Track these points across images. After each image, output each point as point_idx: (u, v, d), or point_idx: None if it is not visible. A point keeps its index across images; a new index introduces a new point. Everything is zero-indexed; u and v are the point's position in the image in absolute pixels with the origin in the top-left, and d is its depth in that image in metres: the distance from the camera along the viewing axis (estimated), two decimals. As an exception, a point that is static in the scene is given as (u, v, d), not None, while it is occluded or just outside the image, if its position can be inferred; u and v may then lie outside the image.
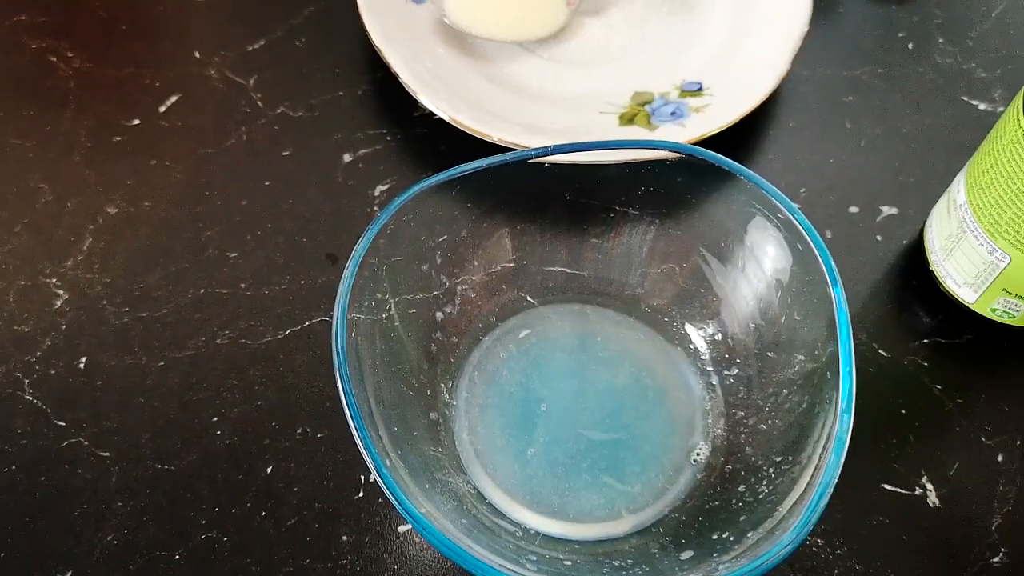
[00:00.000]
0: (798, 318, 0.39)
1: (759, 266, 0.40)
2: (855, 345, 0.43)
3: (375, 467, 0.32)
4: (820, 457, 0.33)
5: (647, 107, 0.52)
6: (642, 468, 0.40)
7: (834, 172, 0.52)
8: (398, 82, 0.51)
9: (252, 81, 0.55)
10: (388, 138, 0.53)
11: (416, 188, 0.38)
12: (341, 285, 0.36)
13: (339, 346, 0.35)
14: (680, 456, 0.41)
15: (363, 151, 0.52)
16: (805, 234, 0.37)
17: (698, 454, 0.40)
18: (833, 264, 0.36)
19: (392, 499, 0.32)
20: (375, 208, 0.50)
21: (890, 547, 0.41)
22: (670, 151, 0.39)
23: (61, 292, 0.47)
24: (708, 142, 0.48)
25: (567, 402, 0.42)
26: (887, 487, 0.42)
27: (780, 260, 0.39)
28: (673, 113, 0.51)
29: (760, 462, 0.38)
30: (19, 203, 0.50)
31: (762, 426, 0.39)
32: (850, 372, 0.34)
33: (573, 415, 0.41)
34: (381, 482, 0.32)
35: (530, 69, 0.55)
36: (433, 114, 0.51)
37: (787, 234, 0.38)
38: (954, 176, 0.46)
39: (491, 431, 0.41)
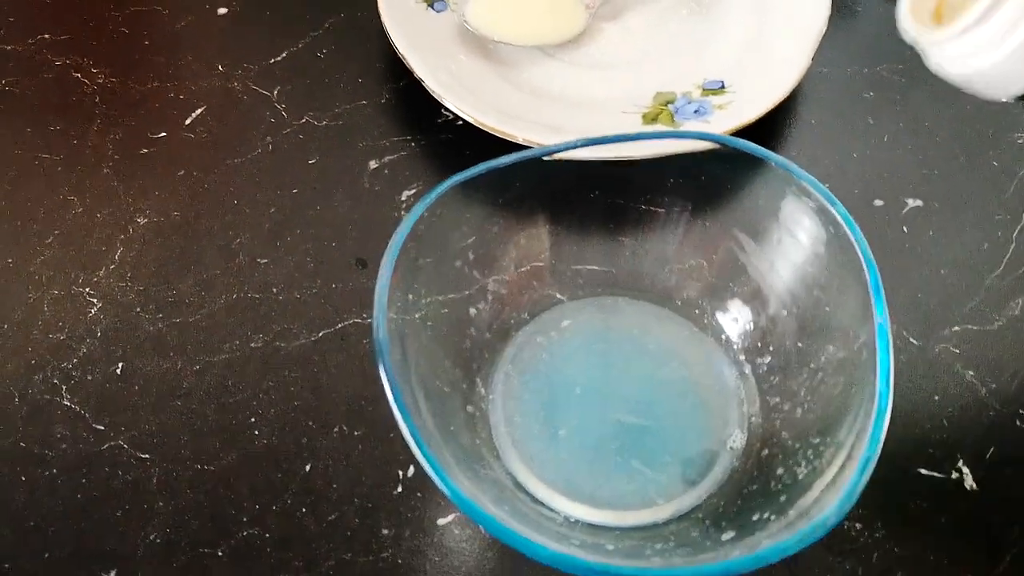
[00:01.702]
0: (832, 303, 0.39)
1: (792, 252, 0.41)
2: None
3: (419, 451, 0.32)
4: (859, 434, 0.34)
5: (670, 106, 0.52)
6: (679, 456, 0.40)
7: (857, 167, 0.53)
8: (421, 89, 0.52)
9: (276, 92, 0.56)
10: (413, 144, 0.53)
11: (447, 184, 0.39)
12: (380, 274, 0.36)
13: (380, 333, 0.35)
14: (716, 444, 0.41)
15: (388, 157, 0.53)
16: (838, 217, 0.37)
17: (734, 441, 0.41)
18: (867, 244, 0.36)
19: (437, 481, 0.32)
20: (402, 212, 0.50)
21: (928, 530, 0.41)
22: (702, 140, 0.40)
23: (95, 300, 0.47)
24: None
25: (603, 392, 0.42)
26: (923, 472, 0.42)
27: (813, 245, 0.39)
28: (696, 111, 0.51)
29: (797, 445, 0.38)
30: (50, 216, 0.51)
31: (798, 411, 0.39)
32: (888, 346, 0.34)
33: (609, 405, 0.42)
34: (426, 465, 0.32)
35: (551, 73, 0.56)
36: (457, 119, 0.52)
37: (820, 219, 0.39)
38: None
39: (528, 422, 0.41)
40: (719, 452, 0.40)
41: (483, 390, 0.42)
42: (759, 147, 0.39)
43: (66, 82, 0.57)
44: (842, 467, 0.33)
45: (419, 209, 0.38)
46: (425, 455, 0.32)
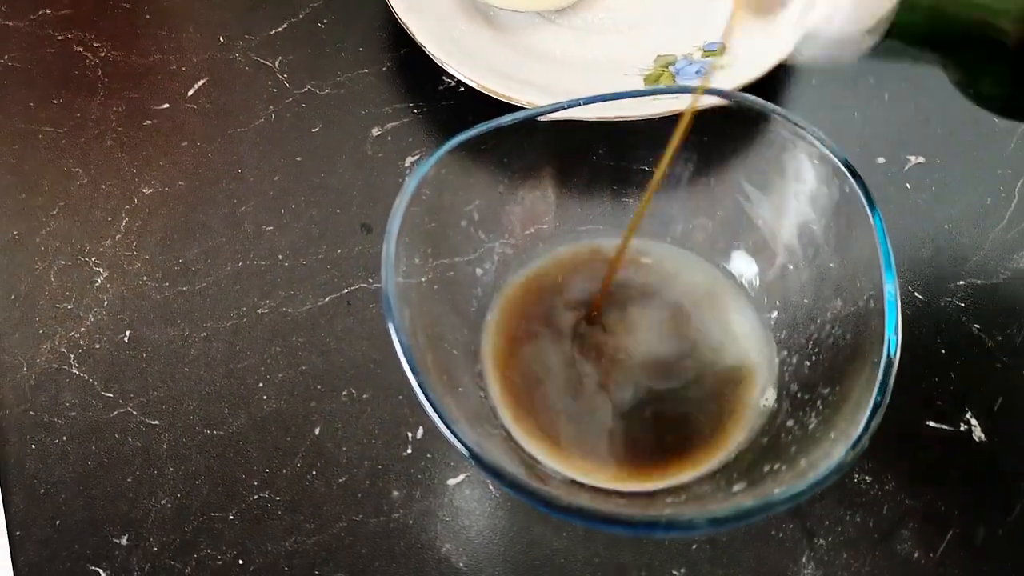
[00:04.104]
0: (839, 257, 0.39)
1: (798, 207, 0.41)
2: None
3: (428, 402, 0.32)
4: (867, 382, 0.34)
5: (671, 68, 0.52)
6: (699, 417, 0.40)
7: (859, 126, 0.53)
8: (422, 57, 0.52)
9: (277, 62, 0.56)
10: (415, 111, 0.53)
11: (449, 144, 0.38)
12: (387, 234, 0.36)
13: (389, 292, 0.35)
14: (742, 404, 0.40)
15: (391, 124, 0.53)
16: (844, 170, 0.37)
17: (767, 400, 0.40)
18: (871, 193, 0.36)
19: (446, 432, 0.32)
20: (406, 179, 0.50)
21: (938, 483, 0.41)
22: (714, 96, 0.40)
23: (101, 270, 0.47)
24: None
25: (618, 348, 0.42)
26: (932, 424, 0.42)
27: (819, 199, 0.39)
28: (698, 72, 0.51)
29: (807, 396, 0.38)
30: (55, 188, 0.51)
31: (805, 364, 0.39)
32: (895, 296, 0.34)
33: (623, 361, 0.41)
34: (436, 418, 0.32)
35: (552, 38, 0.56)
36: (459, 86, 0.51)
37: (826, 172, 0.39)
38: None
39: (540, 384, 0.41)
40: (745, 414, 0.40)
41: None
42: (763, 101, 0.39)
43: (68, 56, 0.57)
44: (852, 416, 0.33)
45: (423, 168, 0.38)
46: (435, 409, 0.32)
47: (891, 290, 0.34)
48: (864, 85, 0.55)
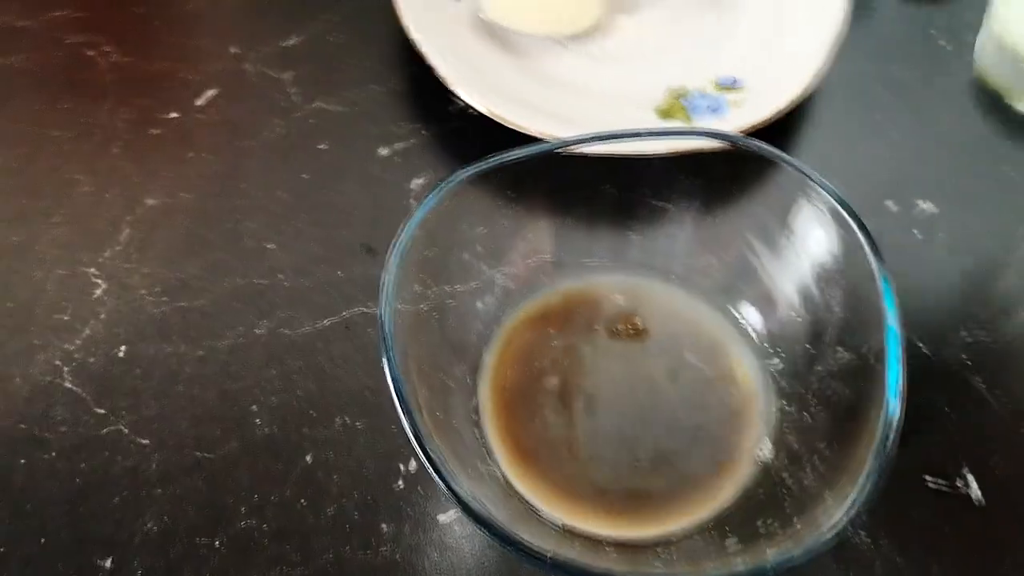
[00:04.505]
0: (843, 307, 0.39)
1: (803, 255, 0.40)
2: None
3: (419, 447, 0.32)
4: (867, 446, 0.33)
5: (684, 101, 0.52)
6: (695, 465, 0.39)
7: (870, 168, 0.52)
8: (433, 77, 0.51)
9: (288, 76, 0.56)
10: (424, 132, 0.53)
11: (458, 177, 0.38)
12: (386, 273, 0.36)
13: (386, 328, 0.34)
14: (740, 454, 0.40)
15: (399, 145, 0.52)
16: (850, 221, 0.37)
17: (761, 451, 0.40)
18: (879, 250, 0.36)
19: (436, 479, 0.31)
20: (411, 201, 0.50)
21: (934, 542, 0.40)
22: (716, 139, 0.39)
23: (100, 282, 0.47)
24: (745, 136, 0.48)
25: (614, 391, 0.41)
26: (929, 480, 0.42)
27: (825, 248, 0.39)
28: (710, 107, 0.51)
29: (804, 451, 0.38)
30: (57, 194, 0.50)
31: (806, 416, 0.39)
32: (898, 357, 0.34)
33: (620, 405, 0.41)
34: (425, 462, 0.32)
35: (565, 64, 0.55)
36: (469, 109, 0.51)
37: (833, 222, 0.38)
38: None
39: (534, 423, 0.41)
40: (743, 462, 0.39)
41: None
42: (772, 148, 0.39)
43: (78, 60, 0.56)
44: (849, 479, 0.33)
45: (428, 204, 0.38)
46: (427, 456, 0.32)
47: (894, 351, 0.34)
48: (876, 126, 0.54)
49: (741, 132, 0.48)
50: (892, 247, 0.48)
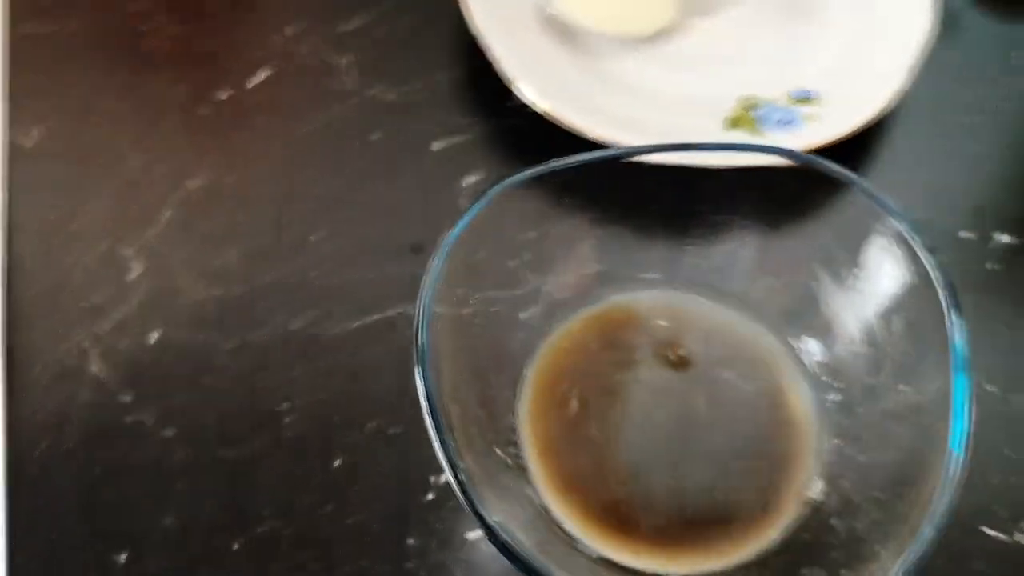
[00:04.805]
0: (909, 344, 0.36)
1: (870, 285, 0.38)
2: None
3: (449, 467, 0.30)
4: (925, 498, 0.31)
5: (754, 112, 0.49)
6: (739, 500, 0.37)
7: (947, 194, 0.50)
8: (494, 71, 0.49)
9: (345, 61, 0.54)
10: (480, 128, 0.51)
11: (510, 181, 0.36)
12: (428, 276, 0.34)
13: (422, 338, 0.33)
14: (787, 490, 0.37)
15: (454, 139, 0.51)
16: (922, 254, 0.34)
17: (812, 491, 0.37)
18: (954, 287, 0.33)
19: (463, 501, 0.30)
20: (462, 199, 0.48)
21: (987, 597, 0.38)
22: (784, 157, 0.37)
23: (137, 263, 0.46)
24: (816, 154, 0.46)
25: (658, 415, 0.39)
26: (985, 530, 0.39)
27: (893, 281, 0.36)
28: (781, 121, 0.48)
29: (857, 497, 0.35)
30: (103, 168, 0.49)
31: (861, 457, 0.37)
32: (964, 408, 0.31)
33: (665, 431, 0.39)
34: (455, 485, 0.30)
35: (633, 67, 0.53)
36: (528, 107, 0.49)
37: (903, 253, 0.36)
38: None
39: (574, 446, 0.39)
40: (790, 502, 0.37)
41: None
42: (842, 169, 0.36)
43: (135, 31, 0.55)
44: (905, 530, 0.31)
45: (478, 206, 0.36)
46: (454, 474, 0.30)
47: (961, 398, 0.32)
48: (957, 150, 0.51)
49: (812, 149, 0.46)
50: (965, 279, 0.46)
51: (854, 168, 0.49)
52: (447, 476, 0.30)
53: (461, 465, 0.31)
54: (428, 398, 0.32)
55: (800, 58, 0.53)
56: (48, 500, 0.40)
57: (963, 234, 0.48)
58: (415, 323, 0.33)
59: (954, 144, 0.52)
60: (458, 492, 0.30)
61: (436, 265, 0.34)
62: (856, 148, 0.50)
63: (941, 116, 0.53)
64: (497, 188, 0.36)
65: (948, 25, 0.57)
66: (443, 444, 0.31)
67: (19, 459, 0.40)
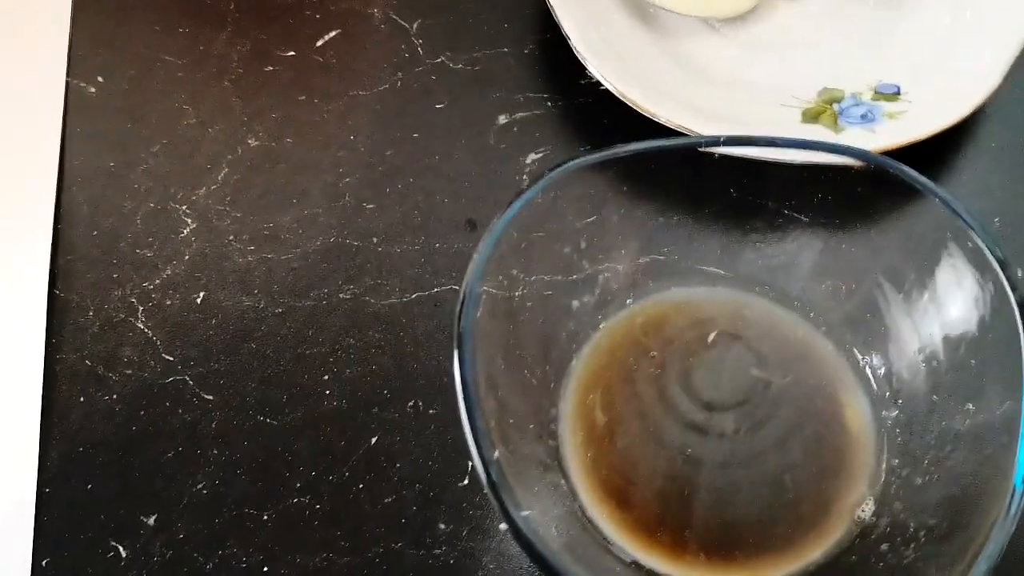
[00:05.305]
0: (977, 365, 0.34)
1: (939, 300, 0.36)
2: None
3: (480, 459, 0.29)
4: (982, 531, 0.29)
5: (835, 106, 0.47)
6: (786, 514, 0.35)
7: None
8: (567, 45, 0.48)
9: (416, 25, 0.52)
10: (548, 104, 0.49)
11: (570, 164, 0.35)
12: (477, 255, 0.33)
13: (464, 322, 0.31)
14: (837, 508, 0.35)
15: (520, 114, 0.49)
16: (1000, 272, 0.32)
17: (863, 511, 0.36)
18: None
19: (491, 497, 0.29)
20: (524, 176, 0.47)
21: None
22: (856, 159, 0.35)
23: (189, 220, 0.45)
24: (897, 152, 0.44)
25: (710, 422, 0.38)
26: (1043, 567, 0.38)
27: (967, 296, 0.34)
28: (863, 116, 0.46)
29: (910, 522, 0.33)
30: (161, 122, 0.48)
31: (917, 480, 0.35)
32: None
33: (716, 439, 0.37)
34: (483, 477, 0.29)
35: (712, 49, 0.51)
36: (600, 85, 0.47)
37: (979, 268, 0.34)
38: None
39: (617, 446, 0.37)
40: (840, 520, 0.35)
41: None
42: (918, 175, 0.34)
43: (204, -17, 0.54)
44: (956, 561, 0.29)
45: (537, 187, 0.34)
46: (486, 469, 0.29)
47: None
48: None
49: (894, 148, 0.44)
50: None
51: (933, 169, 0.47)
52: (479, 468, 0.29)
53: (492, 457, 0.30)
54: (464, 385, 0.30)
55: (888, 48, 0.50)
56: (85, 452, 0.39)
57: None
58: (458, 304, 0.32)
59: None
60: (486, 485, 0.29)
61: (485, 246, 0.33)
62: (938, 147, 0.48)
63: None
64: (556, 171, 0.35)
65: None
66: (475, 434, 0.30)
67: (64, 404, 0.40)
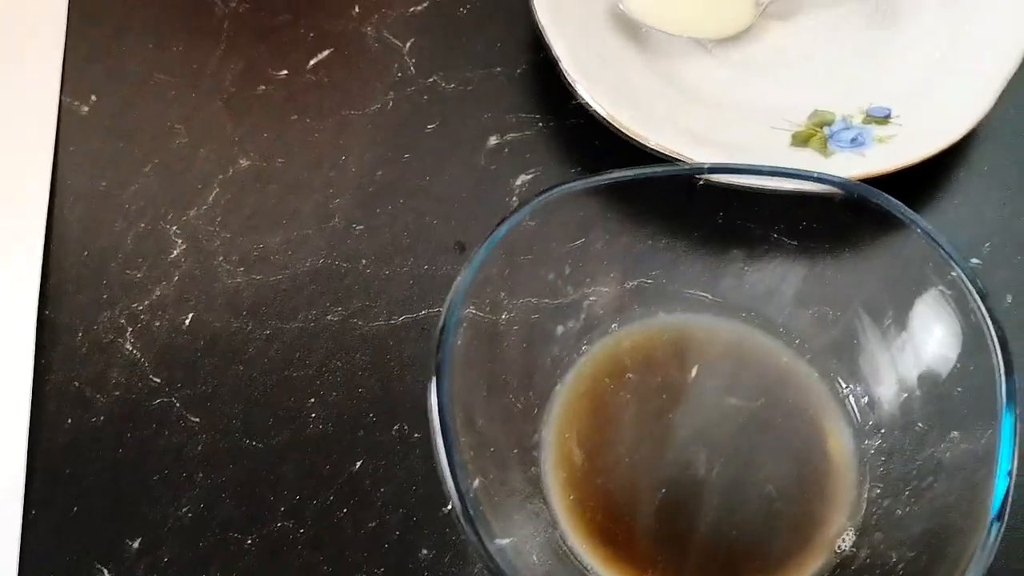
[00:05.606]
0: (958, 395, 0.34)
1: (920, 331, 0.36)
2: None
3: (455, 491, 0.29)
4: (960, 564, 0.29)
5: (825, 129, 0.47)
6: (766, 544, 0.36)
7: (1018, 236, 0.47)
8: (558, 67, 0.48)
9: (408, 45, 0.52)
10: (540, 124, 0.49)
11: (557, 190, 0.35)
12: (459, 280, 0.33)
13: (443, 351, 0.32)
14: (817, 538, 0.36)
15: (511, 135, 0.49)
16: (981, 308, 0.32)
17: (843, 542, 0.36)
18: (1006, 345, 0.31)
19: (466, 530, 0.29)
20: (514, 199, 0.47)
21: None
22: (839, 188, 0.35)
23: (179, 242, 0.45)
24: (887, 175, 0.44)
25: (693, 451, 0.37)
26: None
27: (948, 331, 0.34)
28: (853, 140, 0.46)
29: (890, 552, 0.33)
30: (153, 142, 0.49)
31: (898, 511, 0.35)
32: (1006, 474, 0.30)
33: (698, 468, 0.37)
34: (457, 507, 0.29)
35: (704, 70, 0.51)
36: (590, 106, 0.47)
37: (959, 303, 0.33)
38: None
39: (598, 475, 0.37)
40: (819, 551, 0.35)
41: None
42: (902, 207, 0.34)
43: (196, 3, 0.54)
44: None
45: (524, 211, 0.35)
46: (460, 497, 0.29)
47: (1005, 466, 0.30)
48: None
49: (885, 172, 0.43)
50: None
51: (923, 191, 0.47)
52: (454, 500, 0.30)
53: (469, 489, 0.30)
54: (442, 418, 0.31)
55: (880, 72, 0.50)
56: (71, 474, 0.40)
57: (1009, 298, 0.45)
58: (437, 331, 0.32)
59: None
60: (461, 519, 0.29)
61: (468, 271, 0.33)
62: (929, 169, 0.47)
63: (1018, 146, 0.50)
64: (543, 196, 0.35)
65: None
66: (452, 468, 0.30)
67: (52, 426, 0.40)
